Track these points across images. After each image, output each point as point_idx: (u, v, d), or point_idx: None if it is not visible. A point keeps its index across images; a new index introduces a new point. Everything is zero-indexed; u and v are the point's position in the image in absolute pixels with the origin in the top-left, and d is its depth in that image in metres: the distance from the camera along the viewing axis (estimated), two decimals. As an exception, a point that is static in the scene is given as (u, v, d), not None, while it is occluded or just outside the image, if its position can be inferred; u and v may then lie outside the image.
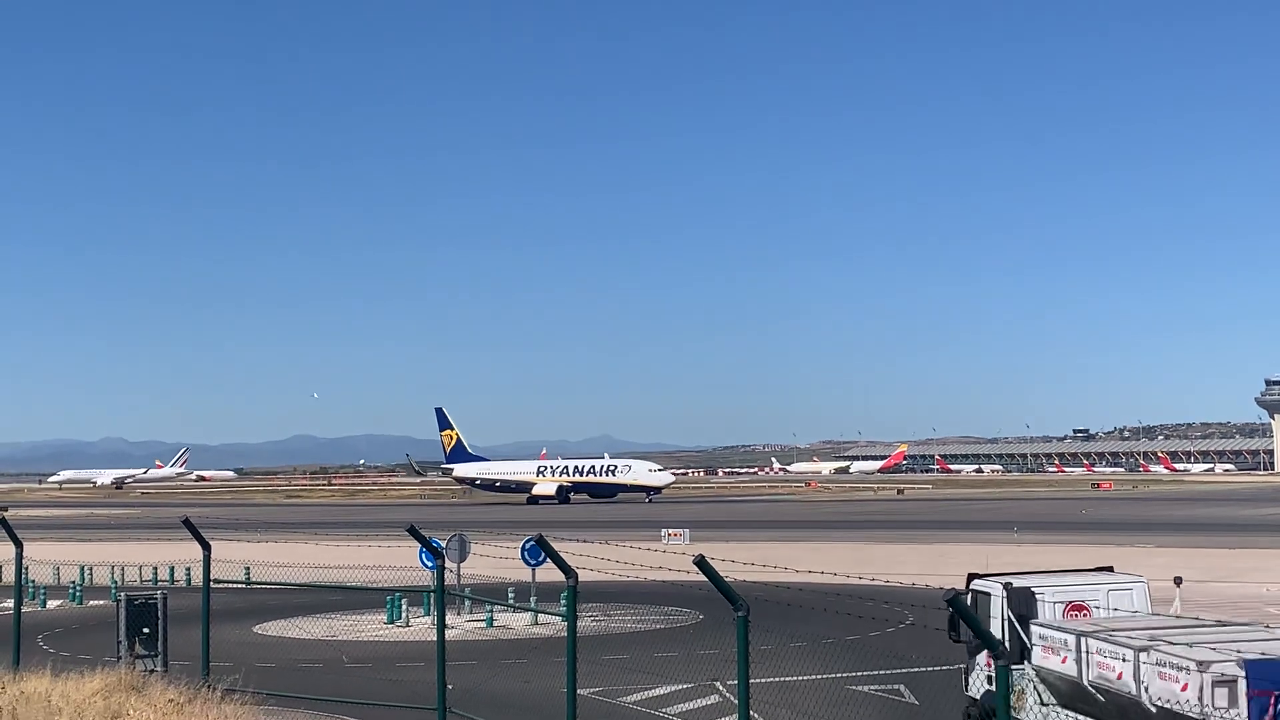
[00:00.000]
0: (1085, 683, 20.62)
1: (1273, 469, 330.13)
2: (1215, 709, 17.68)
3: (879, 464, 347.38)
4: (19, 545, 29.18)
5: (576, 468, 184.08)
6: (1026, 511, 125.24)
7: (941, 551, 75.28)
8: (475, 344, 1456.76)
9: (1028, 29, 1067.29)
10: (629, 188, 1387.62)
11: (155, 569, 62.66)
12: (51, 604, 54.43)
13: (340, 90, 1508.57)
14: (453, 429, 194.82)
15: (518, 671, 33.85)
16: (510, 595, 46.27)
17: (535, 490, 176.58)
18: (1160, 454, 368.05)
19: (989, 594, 24.10)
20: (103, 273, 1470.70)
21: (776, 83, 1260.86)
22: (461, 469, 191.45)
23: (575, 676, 17.88)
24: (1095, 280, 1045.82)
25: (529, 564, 45.32)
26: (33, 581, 56.75)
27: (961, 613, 10.72)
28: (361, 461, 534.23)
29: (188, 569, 58.44)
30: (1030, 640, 22.26)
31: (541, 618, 43.65)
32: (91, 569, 62.61)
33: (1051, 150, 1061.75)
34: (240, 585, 41.92)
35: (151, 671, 26.62)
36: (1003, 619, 23.35)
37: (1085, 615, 23.43)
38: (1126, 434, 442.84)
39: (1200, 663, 18.37)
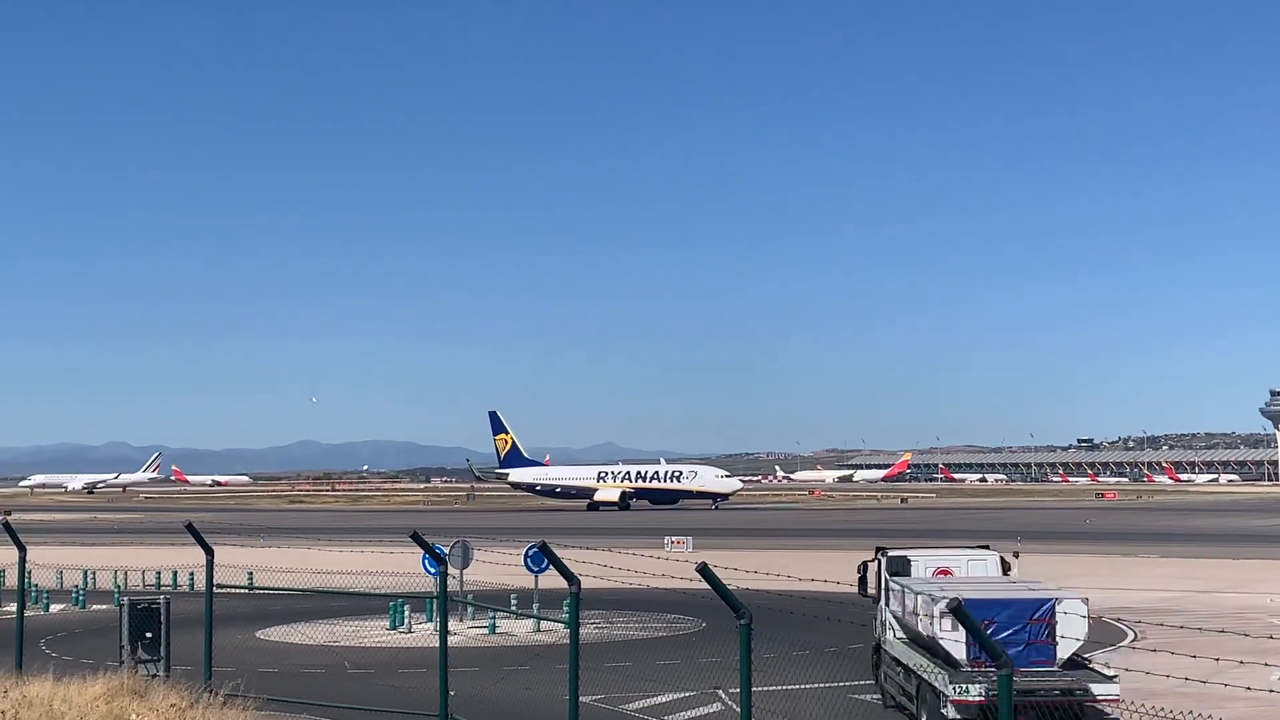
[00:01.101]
0: (906, 616, 28.43)
1: (1277, 480, 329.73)
2: (942, 632, 25.55)
3: (883, 472, 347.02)
4: (22, 549, 29.21)
5: (640, 473, 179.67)
6: (1030, 521, 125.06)
7: (945, 560, 75.20)
8: (480, 350, 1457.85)
9: (1040, 31, 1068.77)
10: (633, 195, 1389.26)
11: (158, 573, 62.62)
12: (54, 608, 54.43)
13: (347, 92, 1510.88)
14: (507, 433, 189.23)
15: (520, 678, 33.83)
16: (513, 602, 46.24)
17: (597, 496, 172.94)
18: (1165, 464, 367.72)
19: (879, 560, 32.13)
20: (107, 276, 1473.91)
21: (784, 93, 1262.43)
22: (518, 474, 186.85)
23: (577, 683, 17.88)
24: (1101, 290, 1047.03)
25: (532, 571, 45.30)
26: (35, 585, 56.71)
27: (964, 622, 10.94)
28: (365, 468, 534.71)
29: (191, 574, 58.35)
30: (893, 589, 30.06)
31: (544, 624, 43.61)
32: (94, 573, 62.56)
33: (1058, 159, 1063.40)
34: (243, 590, 41.91)
35: (154, 676, 26.62)
36: (879, 577, 31.70)
37: (949, 575, 30.97)
38: (1131, 444, 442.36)
39: (935, 600, 25.78)
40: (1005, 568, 32.14)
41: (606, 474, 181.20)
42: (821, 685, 32.79)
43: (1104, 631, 43.04)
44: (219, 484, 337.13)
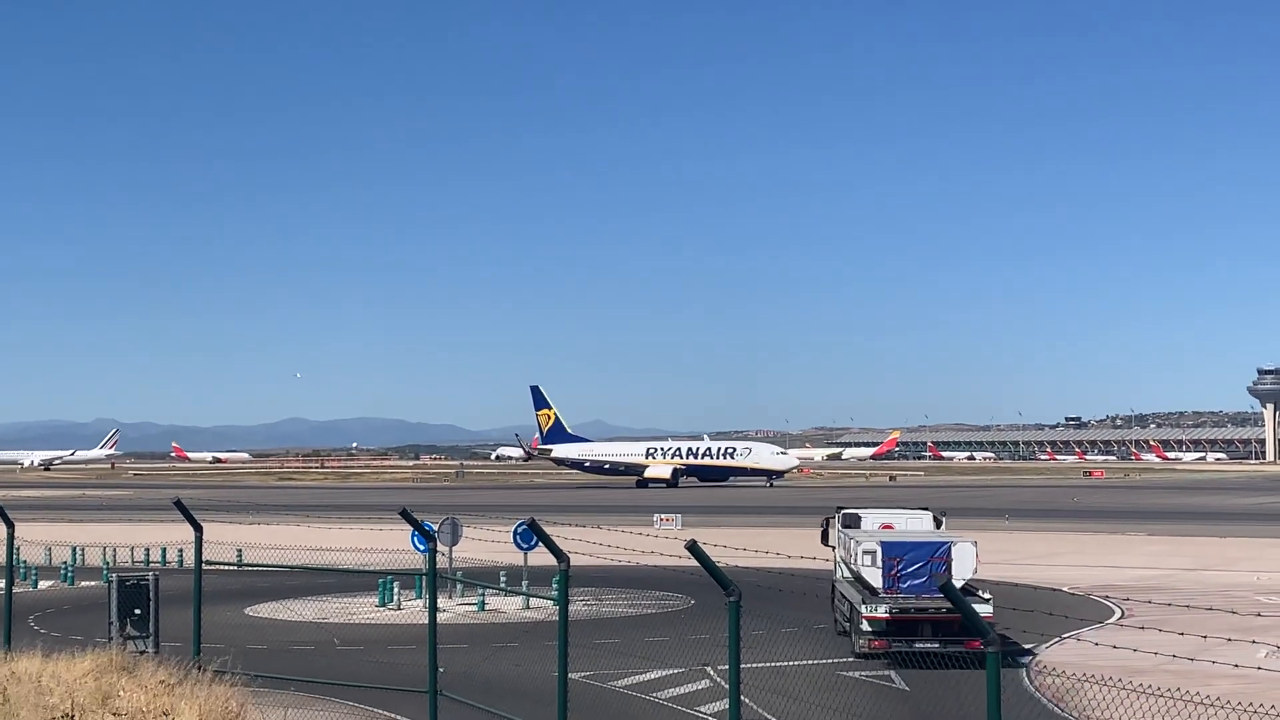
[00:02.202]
0: (849, 561, 36.04)
1: (1264, 458, 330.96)
2: (864, 568, 34.04)
3: (871, 450, 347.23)
4: (10, 525, 29.17)
5: (691, 450, 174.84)
6: (1018, 499, 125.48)
7: (933, 538, 75.40)
8: (466, 328, 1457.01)
9: (1016, 22, 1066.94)
10: (621, 171, 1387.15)
11: (147, 550, 62.62)
12: (43, 584, 54.39)
13: (328, 77, 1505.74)
14: (550, 408, 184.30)
15: (509, 655, 33.89)
16: (502, 579, 46.30)
17: (648, 473, 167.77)
18: (1152, 442, 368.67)
19: (835, 516, 40.83)
20: (96, 253, 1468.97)
21: (767, 69, 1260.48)
22: (561, 450, 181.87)
23: (566, 660, 17.88)
24: (1088, 269, 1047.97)
25: (521, 548, 45.28)
26: (24, 562, 56.68)
27: (954, 600, 11.05)
28: (354, 445, 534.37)
29: (180, 550, 58.32)
30: (843, 539, 38.04)
31: (533, 602, 43.68)
32: (83, 550, 62.56)
33: (1044, 139, 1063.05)
34: (232, 567, 41.91)
35: (142, 653, 26.57)
36: (836, 530, 40.01)
37: (891, 528, 38.83)
38: (1119, 422, 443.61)
39: (859, 542, 34.75)
40: (938, 523, 40.10)
41: (656, 450, 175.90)
42: (810, 662, 32.91)
43: (1091, 608, 43.28)
44: (220, 461, 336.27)
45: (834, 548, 40.03)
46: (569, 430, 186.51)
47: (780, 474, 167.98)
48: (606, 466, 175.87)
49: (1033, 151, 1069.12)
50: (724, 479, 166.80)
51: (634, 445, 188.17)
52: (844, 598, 36.10)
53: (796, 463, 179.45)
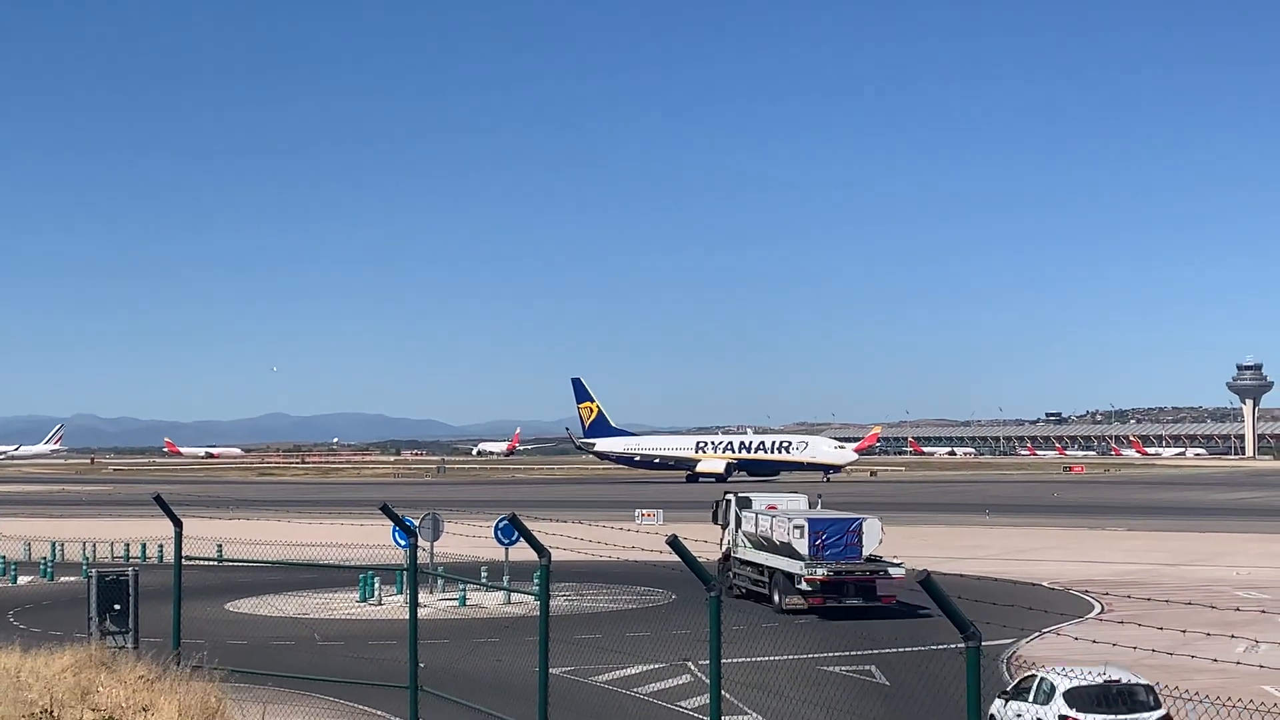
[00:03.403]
0: (758, 534, 44.02)
1: (1243, 453, 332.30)
2: (794, 539, 40.82)
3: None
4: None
5: (743, 444, 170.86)
6: (998, 494, 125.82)
7: (914, 533, 75.48)
8: (447, 323, 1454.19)
9: (1004, 22, 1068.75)
10: (601, 169, 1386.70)
11: (127, 545, 62.42)
12: (22, 580, 54.22)
13: (312, 73, 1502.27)
14: (593, 401, 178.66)
15: (490, 650, 33.86)
16: (483, 574, 46.29)
17: (700, 468, 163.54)
18: (1132, 438, 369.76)
19: (729, 499, 47.92)
20: (76, 247, 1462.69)
21: (747, 65, 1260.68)
22: (605, 444, 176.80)
23: (547, 655, 17.86)
24: (1068, 264, 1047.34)
25: (502, 543, 45.24)
26: (3, 557, 56.55)
27: (934, 594, 11.05)
28: (335, 440, 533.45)
29: (160, 546, 58.16)
30: (743, 518, 45.71)
31: (514, 597, 43.65)
32: (63, 545, 62.30)
33: (1023, 134, 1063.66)
34: (212, 562, 41.77)
35: (122, 648, 26.51)
36: (732, 510, 46.83)
37: (775, 508, 45.92)
38: (1099, 418, 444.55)
39: (790, 518, 42.27)
40: (812, 504, 50.20)
41: (706, 444, 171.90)
42: (791, 657, 32.97)
43: (1071, 603, 43.43)
44: (212, 455, 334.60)
45: (725, 525, 47.54)
46: (612, 424, 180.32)
47: (838, 468, 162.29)
48: (656, 461, 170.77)
49: (1012, 148, 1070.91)
50: (775, 474, 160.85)
51: (683, 439, 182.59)
52: (757, 565, 44.03)
53: (855, 457, 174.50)
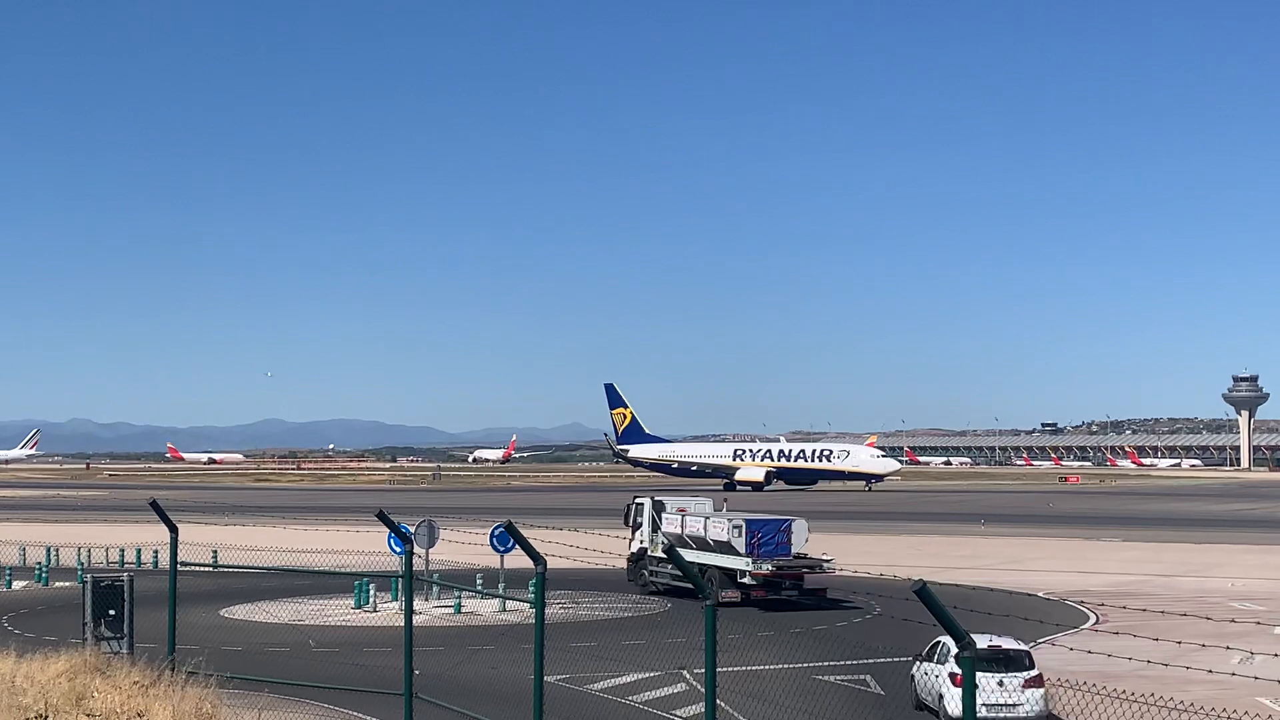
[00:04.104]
0: (684, 534, 46.99)
1: (1239, 465, 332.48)
2: (733, 538, 44.26)
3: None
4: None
5: (782, 452, 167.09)
6: (994, 504, 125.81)
7: (909, 543, 75.58)
8: (445, 330, 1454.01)
9: (1006, 27, 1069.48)
10: (598, 177, 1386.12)
11: (122, 551, 62.36)
12: (17, 585, 54.13)
13: (309, 76, 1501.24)
14: (626, 407, 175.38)
15: (485, 658, 33.84)
16: (479, 581, 46.25)
17: (739, 476, 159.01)
18: (1127, 448, 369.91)
19: (643, 502, 51.29)
20: (73, 252, 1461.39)
21: (757, 73, 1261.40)
22: (639, 450, 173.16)
23: (542, 663, 17.86)
24: (1065, 275, 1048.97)
25: (498, 550, 45.22)
26: (-2, 562, 56.52)
27: (929, 604, 11.03)
28: (331, 447, 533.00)
29: (155, 551, 58.18)
30: (662, 520, 49.07)
31: (510, 604, 43.63)
32: (58, 550, 62.25)
33: (1022, 145, 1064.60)
34: (207, 568, 41.75)
35: (117, 654, 26.50)
36: (647, 512, 50.35)
37: (684, 511, 49.42)
38: (1094, 428, 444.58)
39: (730, 519, 45.80)
40: (718, 507, 53.22)
41: (744, 451, 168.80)
42: (786, 666, 32.96)
43: (1066, 614, 43.38)
44: (215, 461, 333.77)
45: (637, 527, 50.92)
46: (646, 430, 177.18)
47: (879, 477, 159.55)
48: (694, 469, 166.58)
49: (1009, 159, 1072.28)
50: (812, 482, 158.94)
51: (720, 446, 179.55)
52: (675, 565, 47.09)
53: (898, 466, 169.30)
